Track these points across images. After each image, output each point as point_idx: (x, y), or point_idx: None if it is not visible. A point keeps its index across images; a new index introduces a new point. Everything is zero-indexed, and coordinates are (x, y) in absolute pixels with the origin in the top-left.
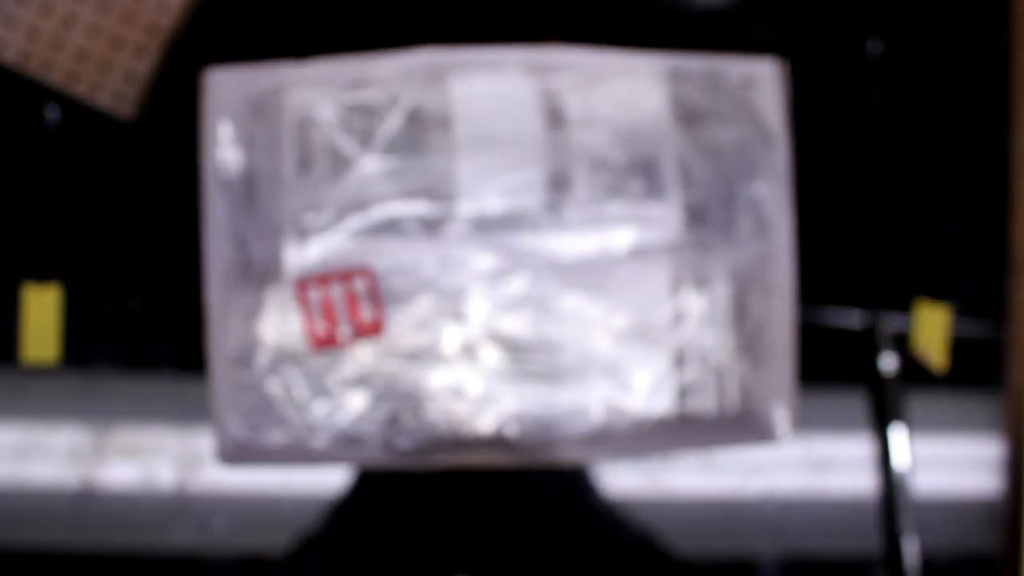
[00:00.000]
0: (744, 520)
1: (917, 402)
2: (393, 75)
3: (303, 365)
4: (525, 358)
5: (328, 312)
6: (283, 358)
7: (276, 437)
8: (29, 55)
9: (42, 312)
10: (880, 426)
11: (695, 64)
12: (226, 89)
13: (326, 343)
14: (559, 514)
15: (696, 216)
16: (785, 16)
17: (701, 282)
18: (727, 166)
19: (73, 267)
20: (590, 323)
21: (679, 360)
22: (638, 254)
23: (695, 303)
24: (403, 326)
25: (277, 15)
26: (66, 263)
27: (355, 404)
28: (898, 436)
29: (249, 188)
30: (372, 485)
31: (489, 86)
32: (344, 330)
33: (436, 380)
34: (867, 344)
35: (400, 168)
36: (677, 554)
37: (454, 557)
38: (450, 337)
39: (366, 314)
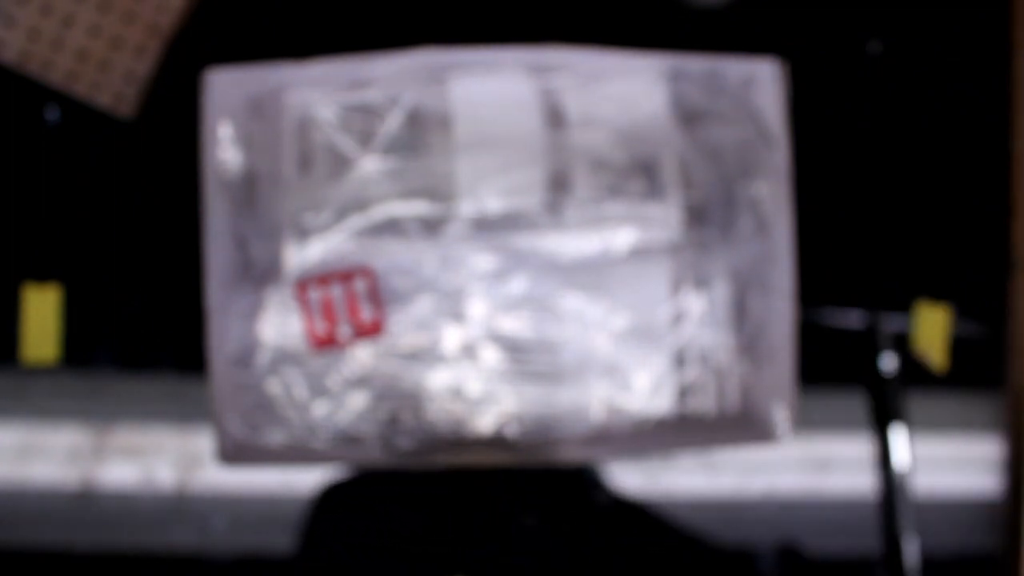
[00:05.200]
0: (744, 520)
1: (917, 402)
2: (393, 75)
3: (303, 365)
4: (525, 358)
5: (328, 312)
6: (283, 358)
7: (276, 437)
8: (29, 55)
9: (42, 312)
10: (880, 426)
11: (695, 64)
12: (226, 89)
13: (326, 343)
14: (559, 514)
15: (696, 216)
16: (785, 16)
17: (701, 282)
18: (727, 166)
19: (73, 267)
20: (590, 323)
21: (679, 360)
22: (638, 254)
23: (695, 303)
24: (403, 326)
25: (277, 15)
26: (66, 263)
27: (355, 404)
28: (898, 436)
29: (249, 188)
30: (372, 484)
31: (489, 86)
32: (344, 330)
33: (436, 380)
34: (867, 344)
35: (400, 168)
36: (677, 553)
37: (454, 557)
38: (450, 337)
39: (366, 314)
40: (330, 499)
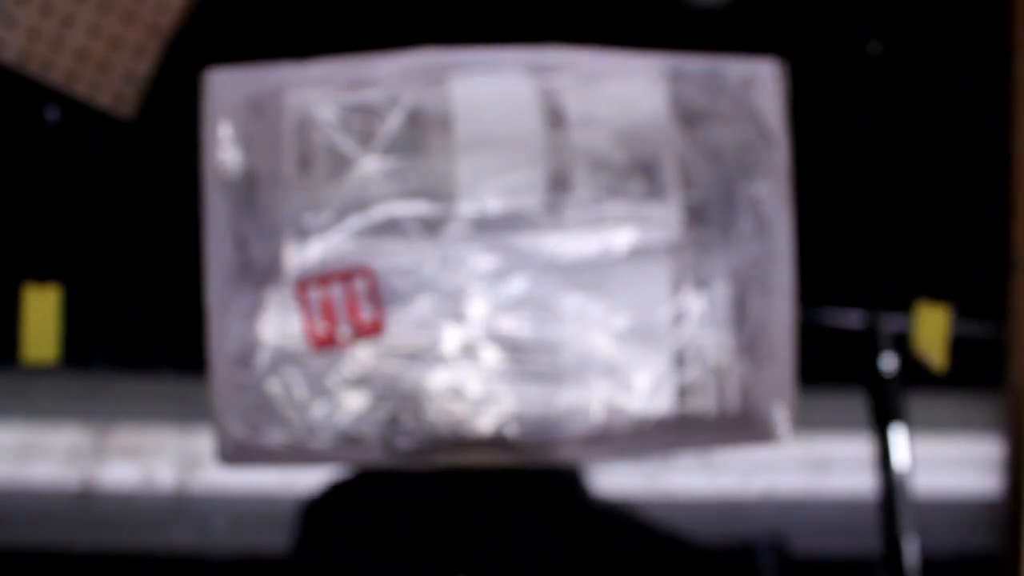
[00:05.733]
0: (744, 520)
1: (917, 402)
2: (393, 75)
3: (303, 365)
4: (525, 358)
5: (328, 312)
6: (283, 358)
7: (276, 437)
8: (29, 55)
9: (42, 312)
10: (880, 426)
11: (695, 64)
12: (226, 89)
13: (326, 343)
14: (559, 514)
15: (696, 216)
16: (785, 16)
17: (701, 282)
18: (727, 166)
19: (73, 267)
20: (590, 323)
21: (679, 360)
22: (638, 254)
23: (695, 303)
24: (403, 326)
25: (277, 15)
26: (66, 263)
27: (355, 404)
28: (898, 436)
29: (249, 188)
30: (371, 484)
31: (489, 86)
32: (344, 330)
33: (436, 380)
34: (867, 344)
35: (400, 168)
36: (677, 553)
37: (454, 557)
38: (450, 337)
39: (366, 314)
40: (328, 499)
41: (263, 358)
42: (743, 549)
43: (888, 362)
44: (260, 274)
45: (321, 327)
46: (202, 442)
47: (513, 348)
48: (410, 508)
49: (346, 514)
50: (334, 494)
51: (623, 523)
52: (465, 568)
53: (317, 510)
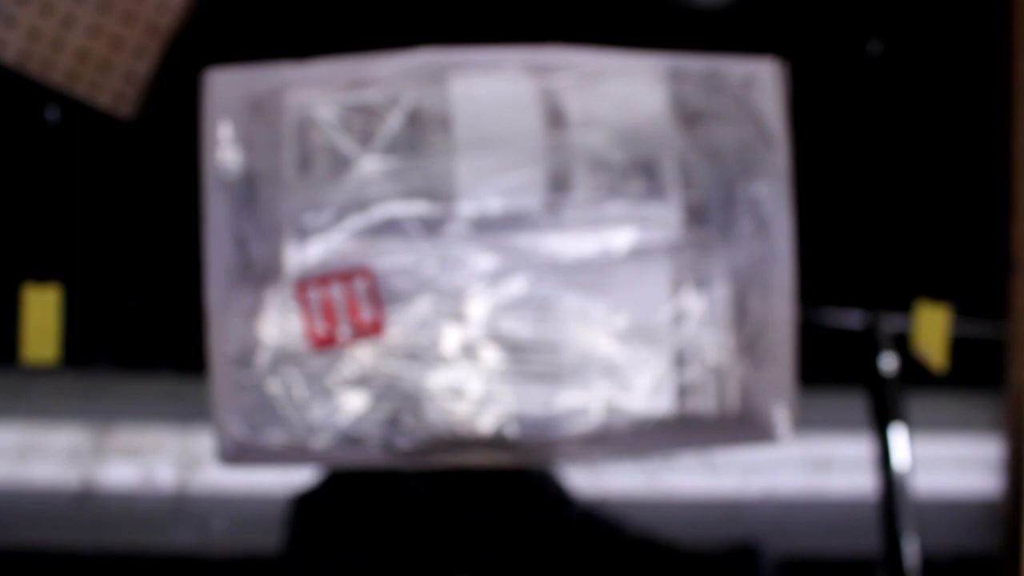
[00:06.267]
0: (744, 520)
1: (917, 402)
2: (393, 75)
3: (303, 365)
4: (525, 358)
5: (328, 312)
6: (283, 358)
7: (276, 437)
8: (29, 55)
9: (42, 312)
10: (880, 426)
11: (695, 64)
12: (226, 89)
13: (326, 343)
14: (559, 514)
15: (696, 216)
16: (785, 16)
17: (701, 282)
18: (727, 166)
19: (73, 267)
20: (590, 323)
21: (679, 360)
22: (638, 254)
23: (695, 303)
24: (403, 326)
25: (277, 15)
26: (66, 263)
27: (355, 404)
28: (898, 436)
29: (249, 188)
30: (370, 484)
31: (489, 86)
32: (344, 330)
33: (436, 380)
34: (867, 344)
35: (400, 168)
36: (676, 551)
37: (454, 557)
38: (450, 337)
39: (366, 314)
40: (327, 498)
41: (263, 358)
42: (743, 549)
43: (888, 362)
44: (260, 274)
45: (321, 327)
46: (202, 442)
47: (513, 348)
48: (410, 508)
49: (345, 514)
50: (333, 493)
51: (622, 523)
52: (465, 568)
53: (315, 509)
